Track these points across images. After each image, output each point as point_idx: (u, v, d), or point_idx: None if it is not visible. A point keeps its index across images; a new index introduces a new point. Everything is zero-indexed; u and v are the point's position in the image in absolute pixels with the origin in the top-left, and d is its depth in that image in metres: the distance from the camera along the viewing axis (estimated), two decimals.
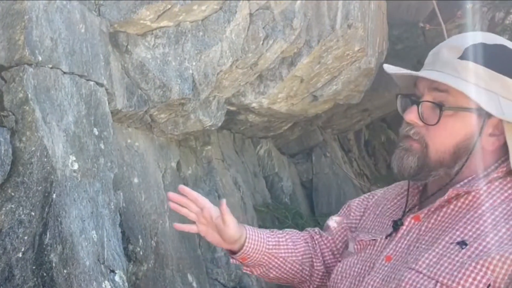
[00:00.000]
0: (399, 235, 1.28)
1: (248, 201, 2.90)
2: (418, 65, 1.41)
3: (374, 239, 1.35)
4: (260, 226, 2.86)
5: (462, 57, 1.21)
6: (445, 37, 2.65)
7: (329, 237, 1.58)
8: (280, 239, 1.56)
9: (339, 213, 1.61)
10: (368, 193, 1.60)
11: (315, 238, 1.60)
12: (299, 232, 1.64)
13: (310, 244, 1.59)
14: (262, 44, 2.07)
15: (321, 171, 4.03)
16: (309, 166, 4.04)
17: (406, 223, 1.28)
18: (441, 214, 1.24)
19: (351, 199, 1.61)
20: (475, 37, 1.27)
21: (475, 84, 1.19)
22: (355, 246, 1.40)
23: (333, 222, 1.59)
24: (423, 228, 1.25)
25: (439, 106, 1.20)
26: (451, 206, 1.23)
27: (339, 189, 4.00)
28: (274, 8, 2.05)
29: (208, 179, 2.53)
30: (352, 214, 1.54)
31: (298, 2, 2.11)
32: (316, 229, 1.65)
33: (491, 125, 1.22)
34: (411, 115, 1.24)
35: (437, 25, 2.91)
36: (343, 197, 3.78)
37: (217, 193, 2.51)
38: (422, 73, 1.25)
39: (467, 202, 1.22)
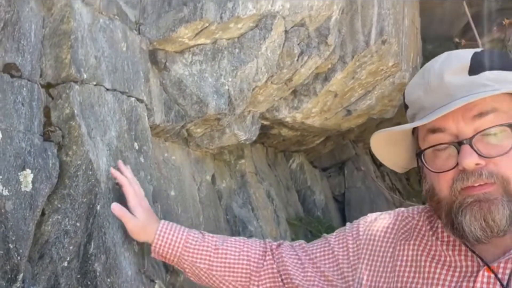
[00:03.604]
0: None
1: (281, 214, 2.92)
2: None
3: None
4: (292, 239, 2.88)
5: (472, 72, 1.05)
6: None
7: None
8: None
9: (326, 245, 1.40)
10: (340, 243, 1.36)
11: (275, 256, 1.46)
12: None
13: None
14: (297, 60, 2.11)
15: (353, 185, 4.03)
16: (341, 180, 4.04)
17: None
18: None
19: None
20: (461, 52, 1.11)
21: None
22: None
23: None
24: None
25: (510, 126, 1.01)
26: None
27: (372, 203, 3.99)
28: (309, 25, 2.08)
29: (241, 192, 2.57)
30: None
31: (333, 19, 2.14)
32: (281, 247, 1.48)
33: None
34: (473, 158, 1.01)
35: (471, 39, 2.89)
36: (375, 211, 3.76)
37: (250, 205, 2.54)
38: (461, 101, 1.02)
39: None
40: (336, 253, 1.35)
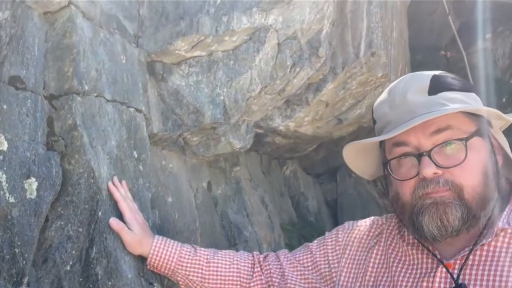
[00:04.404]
0: None
1: (275, 219, 2.96)
2: None
3: None
4: (286, 244, 2.93)
5: (432, 92, 1.21)
6: (466, 62, 2.72)
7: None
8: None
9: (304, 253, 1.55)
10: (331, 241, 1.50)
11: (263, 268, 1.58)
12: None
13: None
14: (290, 71, 2.15)
15: (345, 191, 4.06)
16: (333, 186, 4.08)
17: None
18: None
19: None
20: (423, 73, 1.27)
21: (465, 106, 1.20)
22: None
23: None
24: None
25: (463, 140, 1.17)
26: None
27: (364, 209, 4.03)
28: (301, 38, 2.13)
29: (237, 199, 2.60)
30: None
31: (324, 32, 2.20)
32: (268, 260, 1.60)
33: (493, 139, 1.24)
34: (431, 168, 1.16)
35: (458, 50, 2.98)
36: (367, 216, 3.80)
37: (245, 211, 2.58)
38: (421, 118, 1.17)
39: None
40: (317, 258, 1.49)
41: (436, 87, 1.22)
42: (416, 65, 3.70)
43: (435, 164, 1.17)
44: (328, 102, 2.52)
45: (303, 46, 2.15)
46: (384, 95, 1.32)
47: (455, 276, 1.16)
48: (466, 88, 1.25)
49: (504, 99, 3.77)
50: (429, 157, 1.17)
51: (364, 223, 1.48)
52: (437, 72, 1.27)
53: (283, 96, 2.31)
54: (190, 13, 1.95)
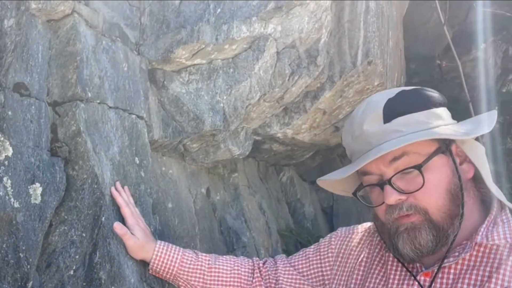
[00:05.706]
0: None
1: (272, 225, 2.97)
2: None
3: None
4: (284, 250, 2.94)
5: (386, 120, 1.22)
6: (461, 71, 2.76)
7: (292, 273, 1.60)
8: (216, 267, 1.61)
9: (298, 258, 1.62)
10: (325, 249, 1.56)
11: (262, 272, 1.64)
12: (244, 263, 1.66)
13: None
14: (288, 80, 2.18)
15: (341, 197, 4.07)
16: (329, 193, 4.08)
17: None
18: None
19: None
20: (378, 99, 1.27)
21: (420, 129, 1.20)
22: None
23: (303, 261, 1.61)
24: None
25: (417, 167, 1.19)
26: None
27: (359, 215, 4.04)
28: (299, 47, 2.16)
29: (235, 204, 2.62)
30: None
31: (322, 41, 2.23)
32: (267, 264, 1.66)
33: (456, 155, 1.24)
34: (393, 196, 1.20)
35: (452, 58, 3.03)
36: (362, 222, 3.82)
37: (243, 217, 2.59)
38: (376, 151, 1.20)
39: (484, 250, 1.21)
40: (314, 265, 1.56)
41: (391, 113, 1.22)
42: (410, 74, 3.74)
43: (397, 190, 1.20)
44: (325, 110, 2.54)
45: (301, 54, 2.18)
46: (347, 125, 1.36)
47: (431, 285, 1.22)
48: (425, 105, 1.24)
49: (496, 108, 3.83)
50: (391, 185, 1.21)
51: (356, 231, 1.53)
52: (392, 95, 1.27)
53: (281, 103, 2.33)
54: (191, 21, 1.98)
